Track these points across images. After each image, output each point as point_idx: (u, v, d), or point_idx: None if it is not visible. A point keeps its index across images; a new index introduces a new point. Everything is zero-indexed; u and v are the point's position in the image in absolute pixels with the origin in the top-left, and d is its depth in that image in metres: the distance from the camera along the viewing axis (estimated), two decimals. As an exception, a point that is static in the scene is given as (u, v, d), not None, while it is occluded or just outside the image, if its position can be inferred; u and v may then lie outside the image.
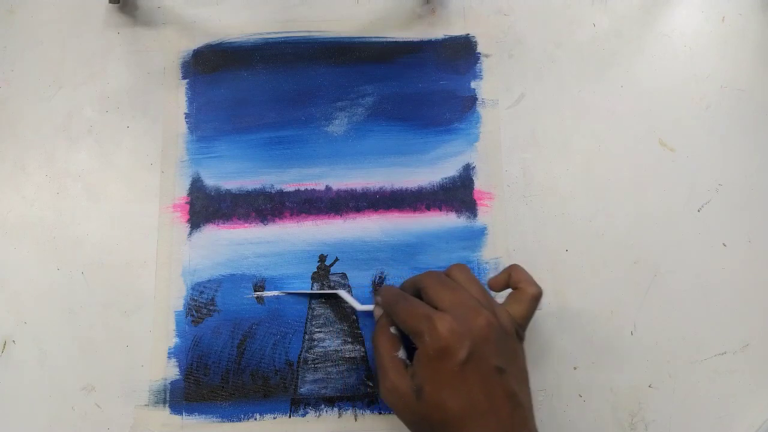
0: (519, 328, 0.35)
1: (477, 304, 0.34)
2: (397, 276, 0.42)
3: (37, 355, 0.42)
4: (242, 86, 0.46)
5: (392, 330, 0.36)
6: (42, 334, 0.42)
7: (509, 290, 0.37)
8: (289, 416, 0.41)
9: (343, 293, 0.41)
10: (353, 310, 0.42)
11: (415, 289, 0.36)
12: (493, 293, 0.38)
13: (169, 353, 0.41)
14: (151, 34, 0.47)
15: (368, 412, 0.41)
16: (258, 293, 0.42)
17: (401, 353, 0.35)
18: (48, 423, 0.41)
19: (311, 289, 0.42)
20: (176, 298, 0.42)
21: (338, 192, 0.44)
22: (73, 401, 0.41)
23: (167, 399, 0.41)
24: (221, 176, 0.44)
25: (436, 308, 0.34)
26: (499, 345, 0.33)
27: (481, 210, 0.44)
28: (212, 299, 0.42)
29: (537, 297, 0.36)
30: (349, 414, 0.41)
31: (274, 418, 0.41)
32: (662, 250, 0.43)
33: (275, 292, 0.42)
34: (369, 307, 0.40)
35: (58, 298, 0.42)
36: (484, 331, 0.32)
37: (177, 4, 0.47)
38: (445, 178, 0.44)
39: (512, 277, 0.37)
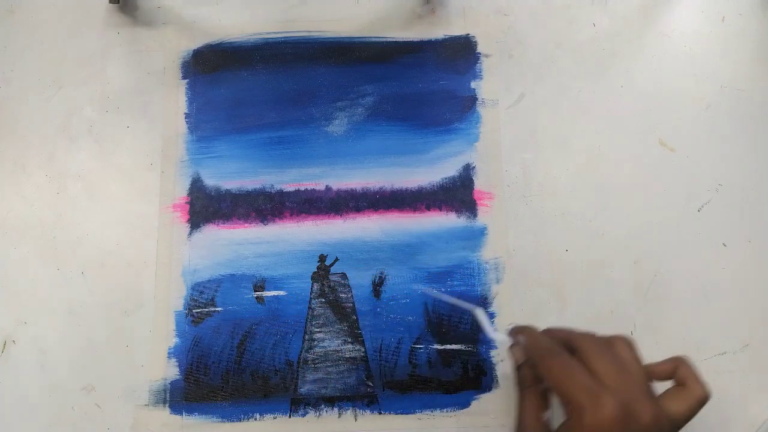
0: (674, 430, 0.32)
1: (644, 395, 0.30)
2: (397, 276, 0.42)
3: (37, 355, 0.42)
4: (242, 86, 0.46)
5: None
6: (42, 334, 0.42)
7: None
8: (289, 416, 0.41)
9: (480, 313, 0.37)
10: (353, 309, 0.42)
11: (566, 345, 0.33)
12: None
13: (169, 353, 0.41)
14: (151, 34, 0.47)
15: (368, 412, 0.41)
16: (425, 290, 0.41)
17: (547, 414, 0.32)
18: (48, 423, 0.41)
19: (311, 289, 0.42)
20: (176, 298, 0.42)
21: (338, 192, 0.44)
22: (73, 401, 0.41)
23: (167, 399, 0.41)
24: (221, 176, 0.44)
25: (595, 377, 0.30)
26: None
27: (481, 210, 0.44)
28: (212, 299, 0.42)
29: (703, 401, 0.32)
30: (349, 414, 0.41)
31: (274, 418, 0.41)
32: (662, 250, 0.43)
33: (440, 294, 0.41)
34: (501, 337, 0.36)
35: (58, 298, 0.42)
36: (647, 428, 0.29)
37: (177, 4, 0.47)
38: (445, 178, 0.44)
39: (679, 371, 0.33)
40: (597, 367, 0.31)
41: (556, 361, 0.31)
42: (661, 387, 0.34)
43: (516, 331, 0.35)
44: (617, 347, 0.32)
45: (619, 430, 0.28)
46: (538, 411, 0.32)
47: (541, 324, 0.42)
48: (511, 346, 0.35)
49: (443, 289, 0.42)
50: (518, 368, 0.35)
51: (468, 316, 0.41)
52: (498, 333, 0.37)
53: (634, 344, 0.33)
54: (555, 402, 0.33)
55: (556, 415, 0.33)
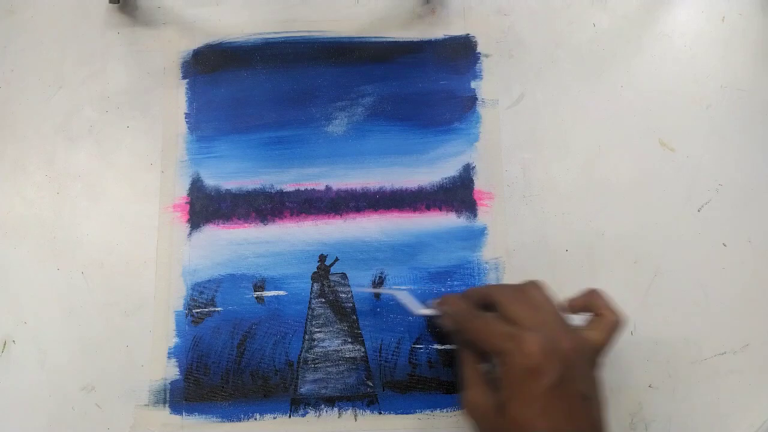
0: (596, 355, 0.34)
1: (560, 326, 0.33)
2: (397, 276, 0.42)
3: (37, 355, 0.42)
4: (242, 86, 0.46)
5: None
6: (42, 334, 0.42)
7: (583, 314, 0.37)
8: (289, 416, 0.41)
9: (403, 294, 0.40)
10: (353, 309, 0.42)
11: (484, 302, 0.36)
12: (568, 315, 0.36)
13: (169, 353, 0.41)
14: (151, 34, 0.47)
15: (368, 412, 0.41)
16: (368, 289, 0.42)
17: (486, 367, 0.34)
18: (48, 423, 0.41)
19: (311, 289, 0.42)
20: (176, 298, 0.42)
21: (338, 192, 0.44)
22: (73, 401, 0.41)
23: (167, 399, 0.41)
24: (221, 176, 0.44)
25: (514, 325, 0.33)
26: (582, 371, 0.32)
27: (481, 210, 0.44)
28: (212, 299, 0.42)
29: (617, 325, 0.35)
30: (349, 414, 0.41)
31: (274, 418, 0.41)
32: (662, 250, 0.43)
33: (364, 289, 0.42)
34: (427, 311, 0.39)
35: (58, 298, 0.42)
36: (570, 354, 0.31)
37: (177, 4, 0.47)
38: (445, 178, 0.44)
39: (593, 302, 0.36)
40: (513, 314, 0.33)
41: (474, 322, 0.34)
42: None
43: (440, 303, 0.38)
44: (529, 292, 0.35)
45: (544, 361, 0.31)
46: (475, 363, 0.35)
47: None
48: (442, 318, 0.38)
49: (444, 289, 0.42)
50: (454, 334, 0.38)
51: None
52: (426, 309, 0.39)
53: (545, 286, 0.36)
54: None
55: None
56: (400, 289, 0.41)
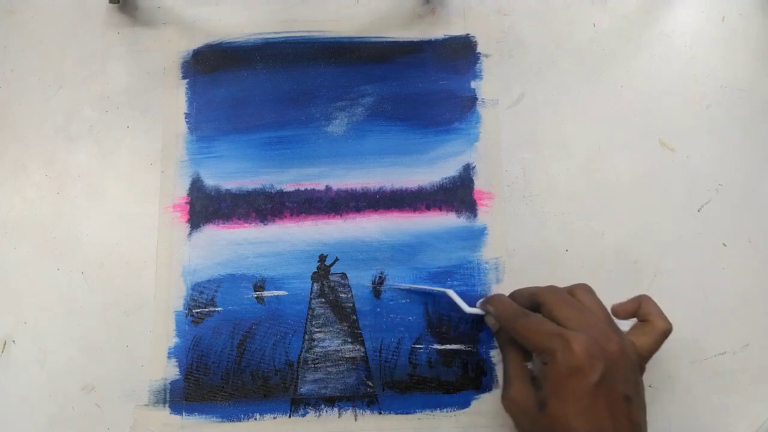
0: (642, 361, 0.35)
1: (608, 329, 0.33)
2: (397, 276, 0.42)
3: (37, 355, 0.42)
4: (242, 86, 0.46)
5: None
6: (42, 334, 0.42)
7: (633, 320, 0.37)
8: (289, 416, 0.41)
9: (452, 293, 0.40)
10: (353, 309, 0.42)
11: (531, 303, 0.36)
12: (617, 320, 0.36)
13: (169, 353, 0.41)
14: (151, 34, 0.47)
15: (368, 412, 0.41)
16: (395, 286, 0.42)
17: (530, 364, 0.35)
18: (48, 423, 0.41)
19: (311, 289, 0.42)
20: (176, 298, 0.42)
21: (338, 192, 0.44)
22: (73, 401, 0.41)
23: (167, 399, 0.41)
24: (221, 176, 0.44)
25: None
26: (626, 373, 0.32)
27: (481, 210, 0.44)
28: (212, 299, 0.42)
29: (666, 333, 0.35)
30: (349, 414, 0.41)
31: (274, 418, 0.41)
32: (662, 250, 0.43)
33: (403, 285, 0.42)
34: (476, 311, 0.39)
35: (58, 298, 0.42)
36: (616, 356, 0.32)
37: (177, 4, 0.47)
38: (445, 178, 0.44)
39: (642, 308, 0.36)
40: (560, 315, 0.34)
41: (520, 322, 0.34)
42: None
43: (486, 303, 0.38)
44: (578, 294, 0.35)
45: (590, 362, 0.31)
46: (521, 361, 0.35)
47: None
48: (485, 317, 0.38)
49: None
50: (497, 333, 0.38)
51: (466, 315, 0.42)
52: (472, 308, 0.39)
53: (592, 289, 0.36)
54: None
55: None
56: (446, 289, 0.41)
